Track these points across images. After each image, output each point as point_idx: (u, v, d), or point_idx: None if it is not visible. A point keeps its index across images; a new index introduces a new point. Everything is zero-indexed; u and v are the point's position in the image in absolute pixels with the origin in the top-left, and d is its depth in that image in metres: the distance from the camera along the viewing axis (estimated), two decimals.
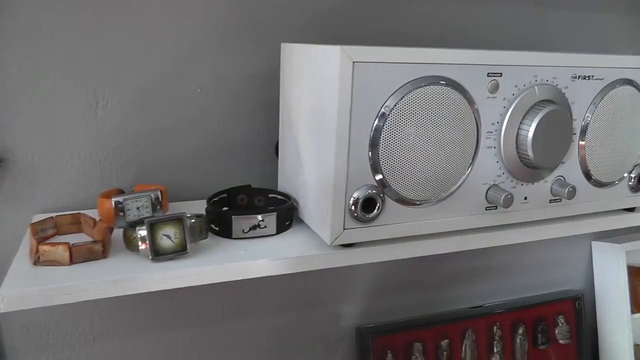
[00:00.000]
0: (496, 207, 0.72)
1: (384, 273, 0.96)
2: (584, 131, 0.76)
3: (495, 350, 1.01)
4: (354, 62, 0.58)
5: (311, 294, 0.92)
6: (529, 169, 0.71)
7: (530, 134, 0.68)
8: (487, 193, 0.71)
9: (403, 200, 0.65)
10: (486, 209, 0.71)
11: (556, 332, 1.08)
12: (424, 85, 0.62)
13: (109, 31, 0.74)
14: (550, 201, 0.77)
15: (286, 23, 0.82)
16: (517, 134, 0.69)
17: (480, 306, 1.04)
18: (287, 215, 0.71)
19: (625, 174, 0.83)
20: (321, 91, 0.62)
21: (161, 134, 0.79)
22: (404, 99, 0.61)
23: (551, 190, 0.76)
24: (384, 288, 0.97)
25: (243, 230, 0.68)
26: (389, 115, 0.61)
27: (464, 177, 0.68)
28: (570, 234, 0.80)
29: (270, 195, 0.77)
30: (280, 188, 0.80)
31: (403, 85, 0.61)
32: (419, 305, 1.00)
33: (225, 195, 0.77)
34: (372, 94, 0.60)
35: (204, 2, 0.78)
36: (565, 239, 1.13)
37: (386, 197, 0.64)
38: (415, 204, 0.66)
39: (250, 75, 0.82)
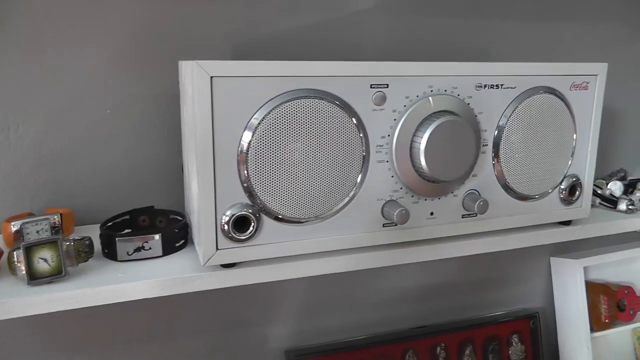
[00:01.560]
0: (395, 223, 0.68)
1: (317, 292, 0.93)
2: (497, 142, 0.72)
3: None
4: (211, 77, 0.56)
5: (237, 314, 0.90)
6: (430, 183, 0.68)
7: (422, 146, 0.65)
8: (382, 209, 0.67)
9: (282, 219, 0.62)
10: (384, 226, 0.68)
11: (510, 352, 1.03)
12: (293, 99, 0.59)
13: (16, 56, 0.74)
14: (464, 216, 0.73)
15: (193, 40, 0.81)
16: (411, 147, 0.66)
17: (425, 326, 0.99)
18: (176, 236, 0.69)
19: (554, 186, 0.79)
20: (191, 107, 0.60)
21: (73, 157, 0.79)
22: (271, 113, 0.59)
23: (463, 205, 0.72)
24: (317, 308, 0.94)
25: (127, 252, 0.67)
26: (256, 130, 0.59)
27: (351, 193, 0.65)
28: (490, 250, 0.76)
29: (172, 216, 0.76)
30: (185, 209, 0.78)
31: (270, 100, 0.59)
32: (354, 326, 0.97)
33: (127, 216, 0.76)
34: (237, 109, 0.58)
35: (111, 24, 0.77)
36: (522, 255, 1.08)
37: (263, 215, 0.62)
38: (297, 222, 0.63)
39: (159, 95, 0.81)
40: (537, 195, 0.78)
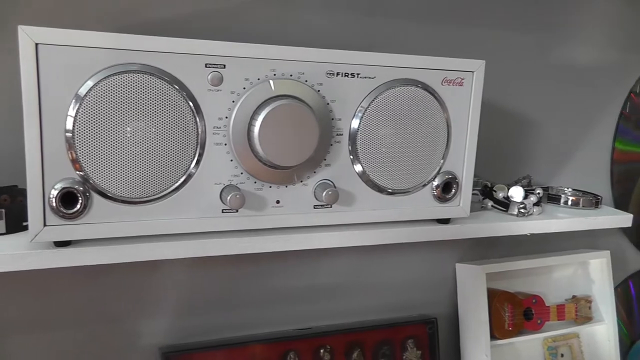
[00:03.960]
0: (236, 210, 0.68)
1: (194, 288, 0.92)
2: (354, 133, 0.72)
3: None
4: (37, 44, 0.57)
5: (109, 307, 0.88)
6: (271, 169, 0.68)
7: (257, 129, 0.64)
8: (221, 194, 0.67)
9: (112, 198, 0.62)
10: (223, 212, 0.68)
11: (404, 357, 1.02)
12: (122, 73, 0.60)
13: None
14: (316, 207, 0.72)
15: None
16: (249, 130, 0.65)
17: (310, 328, 0.98)
18: (22, 214, 0.68)
19: (424, 183, 0.78)
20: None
21: None
22: (98, 86, 0.59)
23: (315, 195, 0.72)
24: (197, 305, 0.92)
25: None
26: (82, 103, 0.59)
27: (186, 175, 0.65)
28: (348, 244, 0.75)
29: None
30: None
31: (98, 72, 0.59)
32: (235, 325, 0.95)
33: None
34: (64, 80, 0.59)
35: None
36: (428, 261, 1.07)
37: (93, 192, 0.61)
38: (129, 202, 0.63)
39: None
40: (403, 190, 0.77)
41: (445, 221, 0.83)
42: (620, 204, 1.27)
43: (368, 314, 1.04)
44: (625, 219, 1.03)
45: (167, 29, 0.82)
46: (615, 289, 1.28)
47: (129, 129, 0.60)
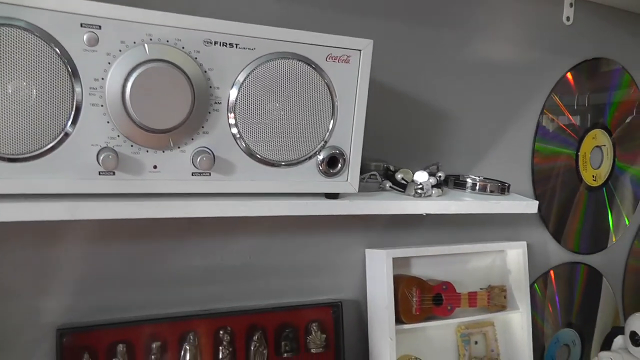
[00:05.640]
0: (113, 172, 0.71)
1: (98, 265, 0.94)
2: (234, 102, 0.75)
3: (221, 357, 0.98)
4: None
5: (6, 282, 0.89)
6: (146, 132, 0.71)
7: (129, 90, 0.68)
8: (97, 155, 0.70)
9: None
10: (100, 174, 0.71)
11: (308, 340, 1.04)
12: None
13: None
14: (194, 174, 0.76)
15: None
16: (122, 92, 0.69)
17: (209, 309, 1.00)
18: None
19: (308, 156, 0.82)
20: None
21: None
22: None
23: (192, 162, 0.75)
24: (95, 283, 0.94)
25: None
26: None
27: (62, 134, 0.68)
28: (225, 214, 0.78)
29: None
30: None
31: None
32: (138, 304, 0.96)
33: None
34: None
35: None
36: (338, 245, 1.10)
37: None
38: (5, 159, 0.66)
39: None
40: (285, 162, 0.81)
41: (333, 196, 0.87)
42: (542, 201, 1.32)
43: (274, 296, 1.06)
44: (530, 205, 1.07)
45: None
46: (537, 279, 1.33)
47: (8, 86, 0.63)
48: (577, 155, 1.37)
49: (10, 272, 0.89)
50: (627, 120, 1.44)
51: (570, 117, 1.35)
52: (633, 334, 1.27)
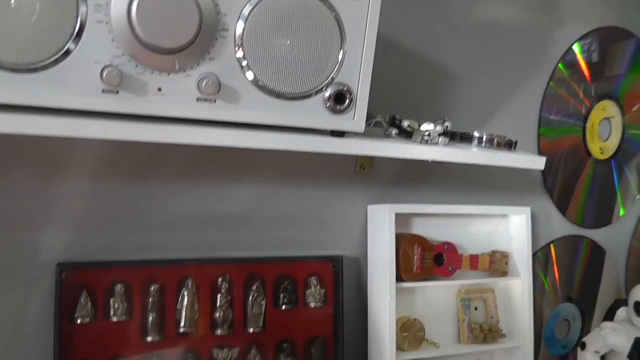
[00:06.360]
0: (117, 91, 0.71)
1: (100, 204, 0.93)
2: (241, 30, 0.75)
3: (219, 304, 0.97)
4: None
5: (6, 215, 0.89)
6: (151, 52, 0.70)
7: (134, 7, 0.68)
8: (101, 73, 0.70)
9: None
10: (103, 92, 0.70)
11: (306, 293, 1.04)
12: None
13: None
14: (199, 99, 0.75)
15: None
16: (128, 10, 0.69)
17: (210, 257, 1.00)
18: None
19: (315, 90, 0.81)
20: None
21: None
22: None
23: (198, 87, 0.75)
24: (97, 222, 0.93)
25: None
26: None
27: (65, 48, 0.68)
28: (227, 144, 0.77)
29: None
30: None
31: None
32: (139, 246, 0.96)
33: None
34: None
35: None
36: (340, 200, 1.10)
37: None
38: (11, 70, 0.65)
39: None
40: (292, 95, 0.80)
41: (339, 134, 0.86)
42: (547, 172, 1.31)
43: (274, 247, 1.06)
44: (537, 161, 1.06)
45: None
46: (540, 251, 1.32)
47: None
48: (584, 127, 1.36)
49: (10, 204, 0.88)
50: None
51: (577, 87, 1.34)
52: (637, 304, 1.27)
